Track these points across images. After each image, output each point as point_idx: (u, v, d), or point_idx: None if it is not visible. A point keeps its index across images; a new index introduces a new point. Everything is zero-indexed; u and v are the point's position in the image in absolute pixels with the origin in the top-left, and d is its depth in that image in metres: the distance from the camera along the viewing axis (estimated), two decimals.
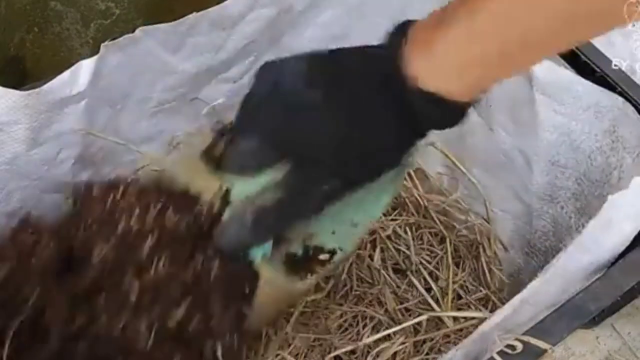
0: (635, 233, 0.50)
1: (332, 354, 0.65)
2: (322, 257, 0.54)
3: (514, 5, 0.39)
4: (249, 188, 0.46)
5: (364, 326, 0.69)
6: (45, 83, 0.56)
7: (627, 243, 0.51)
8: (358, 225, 0.54)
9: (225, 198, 0.48)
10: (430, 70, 0.41)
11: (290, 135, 0.44)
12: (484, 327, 0.44)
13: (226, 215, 0.48)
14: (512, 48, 0.40)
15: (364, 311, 0.70)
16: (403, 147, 0.46)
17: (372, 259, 0.74)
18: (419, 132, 0.45)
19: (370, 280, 0.73)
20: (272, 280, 0.50)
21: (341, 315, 0.70)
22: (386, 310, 0.70)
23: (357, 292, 0.72)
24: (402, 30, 0.43)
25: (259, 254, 0.49)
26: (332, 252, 0.54)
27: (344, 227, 0.54)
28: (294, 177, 0.45)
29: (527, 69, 0.43)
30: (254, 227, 0.46)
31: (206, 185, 0.49)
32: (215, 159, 0.49)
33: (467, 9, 0.40)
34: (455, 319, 0.67)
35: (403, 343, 0.66)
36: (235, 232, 0.47)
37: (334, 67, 0.45)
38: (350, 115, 0.43)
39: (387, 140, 0.45)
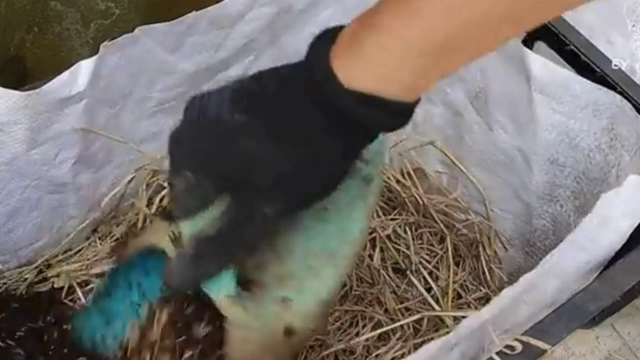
0: (631, 230, 0.50)
1: (330, 352, 0.65)
2: None
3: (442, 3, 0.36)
4: (196, 226, 0.45)
5: (364, 326, 0.69)
6: (45, 83, 0.57)
7: (624, 241, 0.50)
8: (337, 253, 0.50)
9: (179, 242, 0.47)
10: (364, 71, 0.39)
11: (223, 166, 0.43)
12: (473, 322, 0.43)
13: (173, 255, 0.47)
14: (449, 43, 0.37)
15: (364, 311, 0.70)
16: (348, 156, 0.44)
17: (371, 259, 0.73)
18: (363, 137, 0.43)
19: (370, 280, 0.73)
20: (242, 323, 0.47)
21: (340, 316, 0.70)
22: (386, 310, 0.70)
23: (357, 292, 0.71)
24: (326, 38, 0.41)
25: (215, 290, 0.47)
26: None
27: (320, 258, 0.50)
28: (233, 205, 0.44)
29: (467, 62, 0.40)
30: (195, 260, 0.45)
31: (165, 237, 0.48)
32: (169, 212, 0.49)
33: (398, 5, 0.38)
34: (455, 318, 0.66)
35: (402, 347, 0.66)
36: (179, 269, 0.46)
37: (258, 88, 0.42)
38: (281, 136, 0.41)
39: (326, 153, 0.42)
